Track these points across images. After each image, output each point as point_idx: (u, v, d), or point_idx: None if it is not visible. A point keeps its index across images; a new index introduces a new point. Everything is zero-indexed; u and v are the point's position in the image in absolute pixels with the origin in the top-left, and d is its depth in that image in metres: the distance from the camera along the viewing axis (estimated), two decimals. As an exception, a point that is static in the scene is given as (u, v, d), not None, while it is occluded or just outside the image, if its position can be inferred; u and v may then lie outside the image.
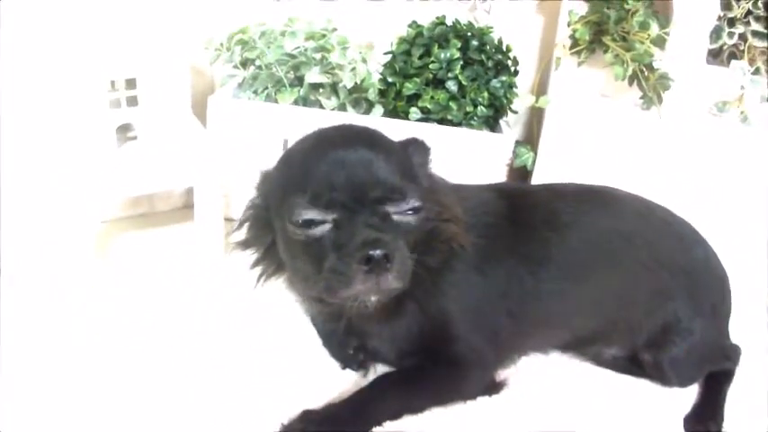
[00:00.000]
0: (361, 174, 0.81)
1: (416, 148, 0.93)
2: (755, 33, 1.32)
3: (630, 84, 1.37)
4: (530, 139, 1.59)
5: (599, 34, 1.36)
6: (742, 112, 1.37)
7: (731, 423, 1.01)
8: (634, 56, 1.30)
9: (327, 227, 0.80)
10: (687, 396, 1.08)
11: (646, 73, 1.34)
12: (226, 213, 1.34)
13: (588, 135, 1.39)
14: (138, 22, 1.22)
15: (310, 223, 0.80)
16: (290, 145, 0.95)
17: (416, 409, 0.93)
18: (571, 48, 1.40)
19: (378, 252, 0.75)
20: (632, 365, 1.10)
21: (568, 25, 1.38)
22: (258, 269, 0.96)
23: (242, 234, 0.95)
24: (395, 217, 0.82)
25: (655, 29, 1.29)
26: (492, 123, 1.44)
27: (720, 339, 1.12)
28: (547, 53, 1.51)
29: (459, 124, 1.40)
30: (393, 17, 1.54)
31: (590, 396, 1.04)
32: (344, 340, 1.04)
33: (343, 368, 1.03)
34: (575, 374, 1.10)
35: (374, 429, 0.89)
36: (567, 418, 0.99)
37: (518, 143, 1.49)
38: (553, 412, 0.99)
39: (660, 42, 1.33)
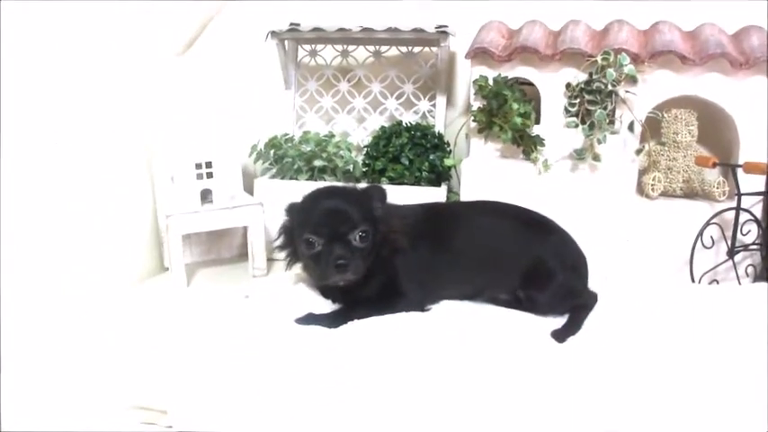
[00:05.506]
0: (335, 218, 1.60)
1: (375, 191, 1.71)
2: (589, 102, 2.08)
3: (518, 146, 2.14)
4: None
5: (491, 117, 2.16)
6: (594, 155, 2.09)
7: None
8: (511, 125, 2.09)
9: (319, 247, 1.60)
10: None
11: (524, 138, 2.11)
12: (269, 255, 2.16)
13: (492, 181, 2.14)
14: (214, 131, 2.17)
15: (311, 243, 1.61)
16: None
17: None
18: (478, 131, 2.20)
19: (341, 261, 1.56)
20: (517, 303, 1.71)
21: (473, 115, 2.20)
22: (287, 257, 1.76)
23: (279, 241, 1.77)
24: (353, 243, 1.60)
25: (520, 109, 2.08)
26: (436, 184, 2.22)
27: (579, 286, 1.74)
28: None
29: (412, 186, 2.19)
30: (370, 127, 2.42)
31: (490, 323, 1.58)
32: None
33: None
34: (479, 310, 1.69)
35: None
36: (474, 334, 1.50)
37: (450, 192, 2.25)
38: (464, 330, 1.51)
39: (528, 117, 2.10)
